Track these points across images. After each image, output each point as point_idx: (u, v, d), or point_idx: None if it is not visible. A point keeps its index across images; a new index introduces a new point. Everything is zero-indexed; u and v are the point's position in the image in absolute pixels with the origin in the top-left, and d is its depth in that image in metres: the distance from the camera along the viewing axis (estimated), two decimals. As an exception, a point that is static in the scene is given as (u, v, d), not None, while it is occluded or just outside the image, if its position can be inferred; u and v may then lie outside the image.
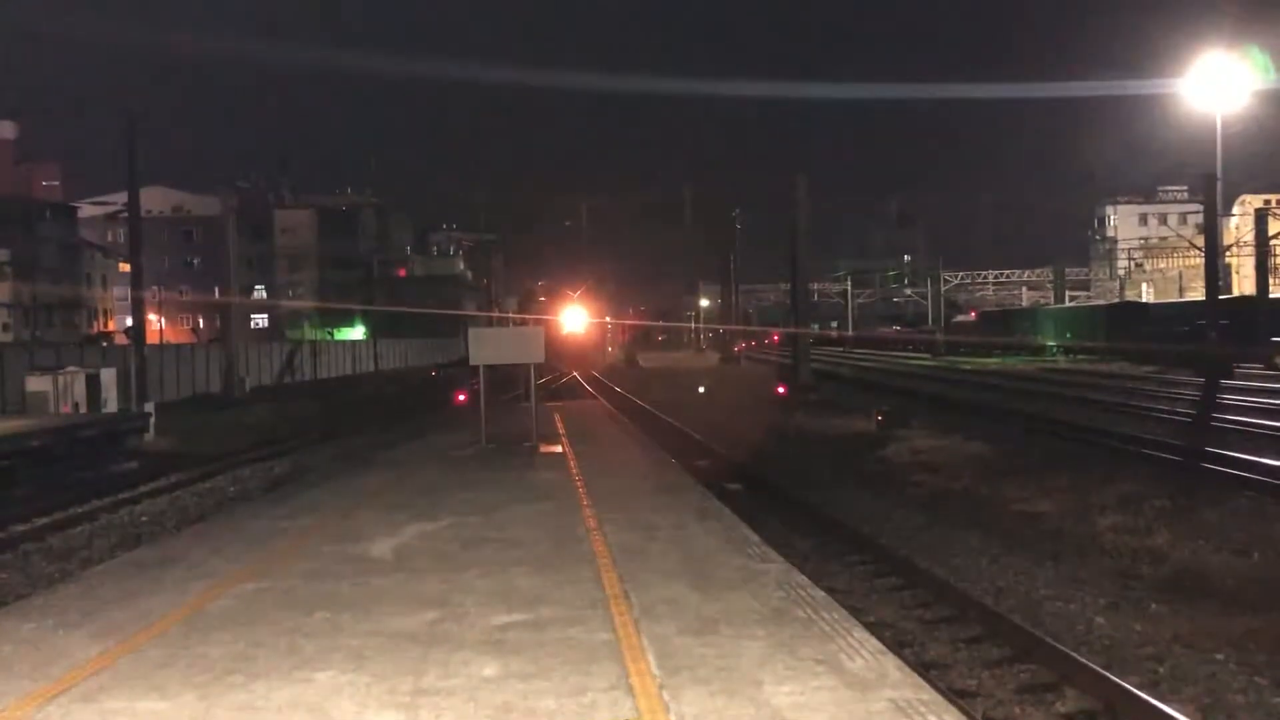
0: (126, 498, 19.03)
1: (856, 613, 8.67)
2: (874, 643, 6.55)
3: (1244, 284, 75.76)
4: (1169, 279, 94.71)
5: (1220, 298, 41.62)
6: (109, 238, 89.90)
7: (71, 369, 30.09)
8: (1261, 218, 51.35)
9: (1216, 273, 41.32)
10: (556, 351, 52.37)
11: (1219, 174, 43.18)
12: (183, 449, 26.39)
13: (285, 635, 6.88)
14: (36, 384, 27.42)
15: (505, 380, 22.84)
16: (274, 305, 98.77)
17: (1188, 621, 9.65)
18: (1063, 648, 8.71)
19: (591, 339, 64.57)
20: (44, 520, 16.81)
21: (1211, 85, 48.65)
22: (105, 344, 56.01)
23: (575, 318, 62.37)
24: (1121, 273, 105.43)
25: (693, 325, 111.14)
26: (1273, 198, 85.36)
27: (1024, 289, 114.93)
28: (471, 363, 19.19)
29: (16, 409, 26.57)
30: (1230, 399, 26.97)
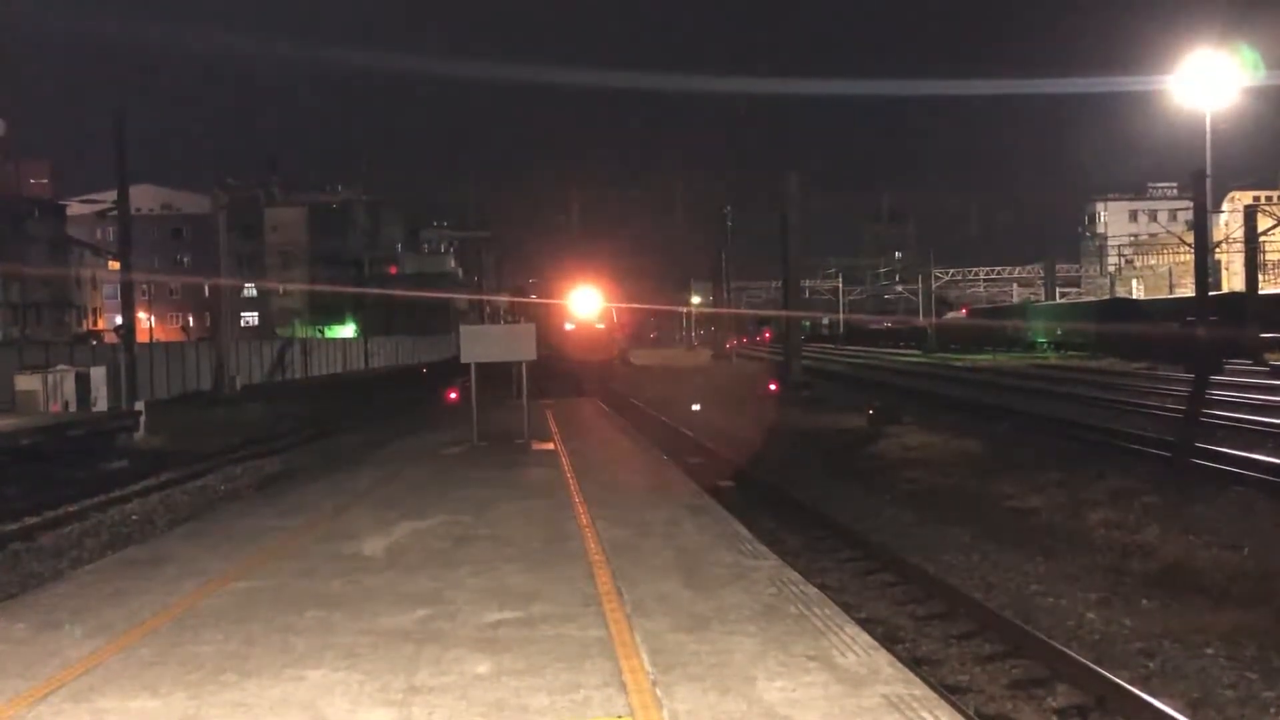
0: (117, 496, 18.97)
1: (848, 609, 8.68)
2: (866, 638, 6.56)
3: (1234, 280, 75.98)
4: (1159, 275, 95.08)
5: (1210, 294, 41.76)
6: (98, 236, 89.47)
7: (61, 367, 29.97)
8: (1251, 214, 51.54)
9: (1206, 269, 41.48)
10: (557, 350, 47.14)
11: (1208, 171, 43.27)
12: (173, 447, 26.31)
13: (277, 633, 6.87)
14: (26, 383, 27.30)
15: (498, 377, 22.74)
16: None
17: (1178, 616, 9.68)
18: (1054, 643, 8.74)
19: (599, 334, 52.91)
20: (34, 519, 16.76)
21: (1201, 82, 48.74)
22: (95, 342, 55.89)
23: (583, 303, 54.49)
24: (1112, 269, 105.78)
25: (686, 311, 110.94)
26: (1262, 194, 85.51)
27: (1015, 285, 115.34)
28: (463, 360, 19.14)
29: (6, 408, 26.44)
30: (1220, 395, 27.05)
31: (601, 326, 51.61)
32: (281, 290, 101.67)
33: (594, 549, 9.29)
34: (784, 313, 40.34)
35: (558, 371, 37.83)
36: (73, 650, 6.63)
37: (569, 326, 49.80)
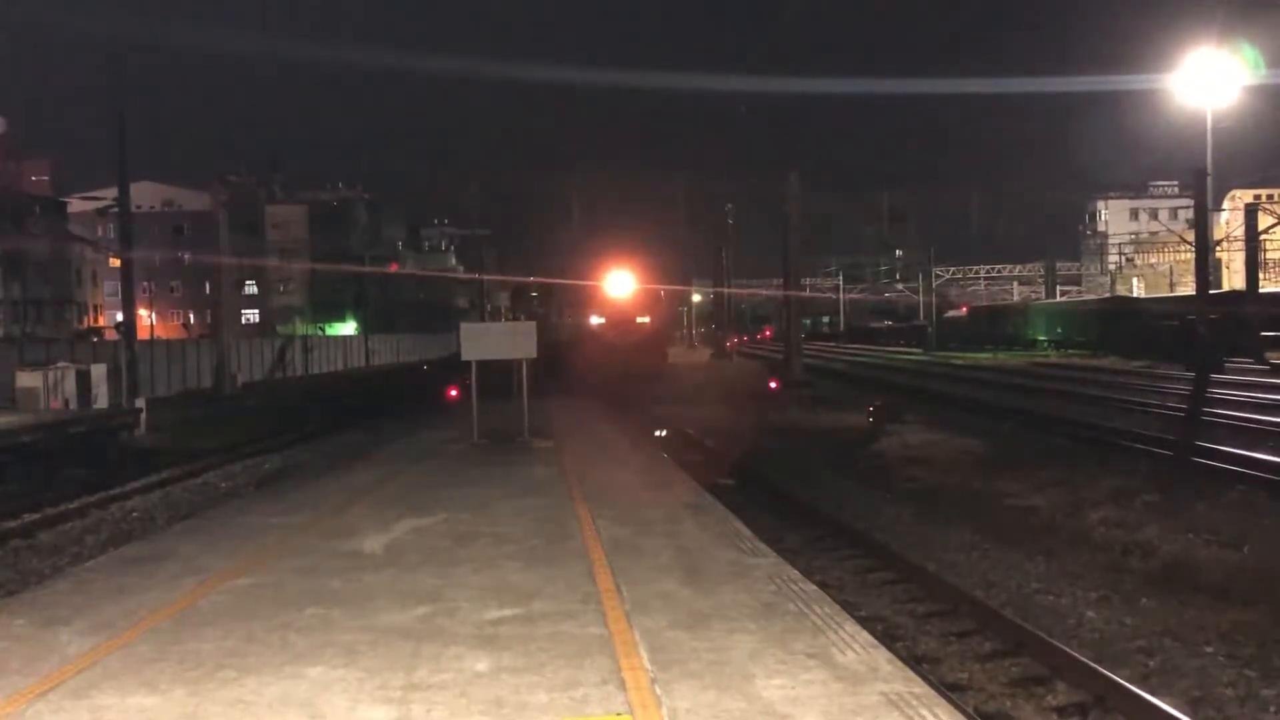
0: (117, 494, 18.99)
1: (848, 607, 8.68)
2: (865, 636, 6.55)
3: (1234, 279, 75.90)
4: (1160, 274, 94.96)
5: (1211, 292, 41.73)
6: (99, 232, 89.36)
7: (62, 365, 29.94)
8: (1252, 213, 51.46)
9: (1207, 267, 41.46)
10: (591, 348, 37.55)
11: (1209, 169, 43.24)
12: (174, 445, 26.33)
13: (277, 631, 6.87)
14: (26, 380, 27.27)
15: (499, 376, 22.56)
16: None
17: (1178, 615, 9.69)
18: (1054, 641, 8.74)
19: (643, 331, 41.78)
20: (34, 516, 16.77)
21: (1202, 81, 48.66)
22: (96, 339, 55.95)
23: (619, 286, 42.16)
24: (1112, 268, 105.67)
25: (685, 309, 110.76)
26: (1263, 193, 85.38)
27: (1015, 284, 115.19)
28: (464, 357, 19.11)
29: (6, 405, 26.43)
30: (1221, 393, 27.04)
31: (645, 320, 43.62)
32: (282, 288, 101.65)
33: (594, 547, 9.28)
34: (787, 293, 40.00)
35: (569, 370, 36.08)
36: (72, 647, 6.63)
37: (596, 320, 43.57)
